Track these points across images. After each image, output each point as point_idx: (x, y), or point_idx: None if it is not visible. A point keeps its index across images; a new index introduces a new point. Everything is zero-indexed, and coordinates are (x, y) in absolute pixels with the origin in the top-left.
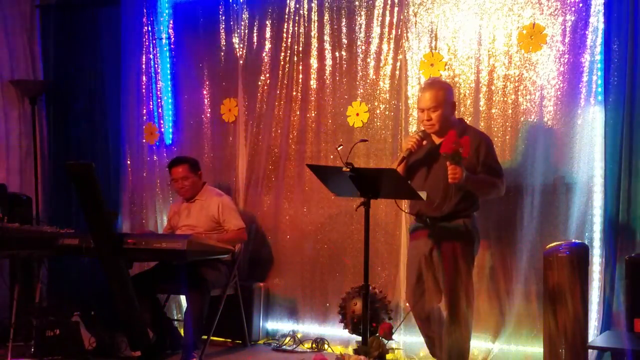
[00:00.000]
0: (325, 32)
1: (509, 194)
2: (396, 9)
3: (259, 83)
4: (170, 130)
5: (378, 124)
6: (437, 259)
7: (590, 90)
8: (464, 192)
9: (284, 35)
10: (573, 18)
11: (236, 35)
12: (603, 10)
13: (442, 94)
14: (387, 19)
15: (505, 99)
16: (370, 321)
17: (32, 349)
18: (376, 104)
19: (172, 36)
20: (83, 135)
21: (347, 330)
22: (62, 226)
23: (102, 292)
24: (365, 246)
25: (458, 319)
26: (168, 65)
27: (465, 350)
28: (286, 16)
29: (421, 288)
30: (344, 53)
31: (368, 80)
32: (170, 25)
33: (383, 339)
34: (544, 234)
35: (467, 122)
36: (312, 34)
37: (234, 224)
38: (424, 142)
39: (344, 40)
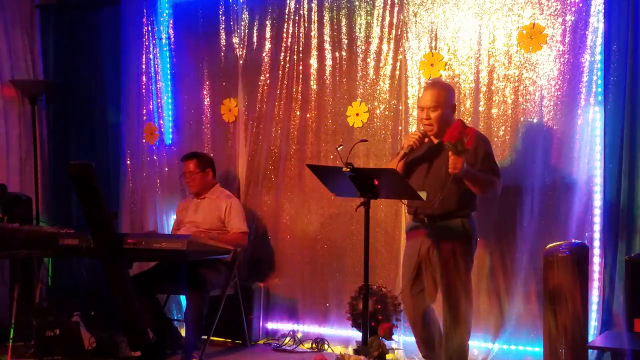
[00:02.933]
0: (325, 32)
1: (509, 194)
2: (396, 9)
3: (259, 83)
4: (170, 130)
5: (378, 124)
6: (435, 258)
7: (590, 90)
8: (463, 191)
9: (284, 35)
10: (573, 18)
11: (236, 35)
12: (603, 11)
13: (444, 94)
14: (387, 19)
15: (505, 99)
16: (377, 317)
17: (32, 349)
18: (376, 104)
19: (172, 36)
20: (83, 135)
21: (350, 323)
22: (62, 226)
23: (102, 292)
24: (365, 246)
25: (458, 319)
26: (168, 65)
27: (465, 350)
28: (286, 16)
29: (418, 287)
30: (344, 53)
31: (368, 80)
32: (170, 25)
33: (383, 339)
34: (544, 234)
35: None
36: (312, 34)
37: (236, 227)
38: (426, 140)
39: (344, 40)
